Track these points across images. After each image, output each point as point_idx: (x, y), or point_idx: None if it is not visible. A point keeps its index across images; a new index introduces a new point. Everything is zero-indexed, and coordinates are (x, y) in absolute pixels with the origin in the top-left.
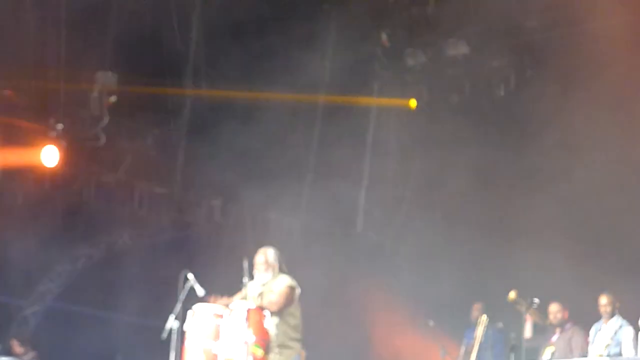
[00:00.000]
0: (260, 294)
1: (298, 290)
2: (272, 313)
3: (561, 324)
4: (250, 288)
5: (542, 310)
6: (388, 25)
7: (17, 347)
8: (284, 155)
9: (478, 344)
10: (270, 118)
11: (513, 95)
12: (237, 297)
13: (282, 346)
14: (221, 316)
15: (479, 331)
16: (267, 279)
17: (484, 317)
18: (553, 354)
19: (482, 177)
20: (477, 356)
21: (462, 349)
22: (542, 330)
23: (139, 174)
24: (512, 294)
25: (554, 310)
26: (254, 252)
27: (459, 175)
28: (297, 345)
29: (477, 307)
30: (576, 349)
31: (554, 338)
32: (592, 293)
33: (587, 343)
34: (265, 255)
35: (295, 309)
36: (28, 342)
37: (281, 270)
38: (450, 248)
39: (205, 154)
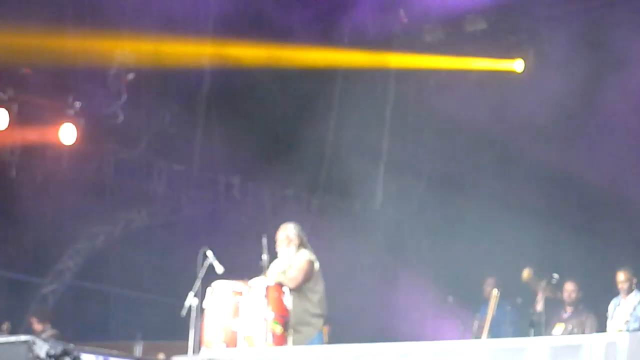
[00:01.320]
0: (283, 271)
1: (317, 265)
2: (291, 289)
3: (574, 304)
4: (274, 265)
5: (558, 287)
6: (405, 1)
7: (37, 325)
8: (303, 132)
9: (490, 319)
10: (289, 95)
11: (531, 70)
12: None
13: (302, 323)
14: (240, 293)
15: (491, 306)
16: (289, 255)
17: (495, 292)
18: (564, 331)
19: (500, 153)
20: (491, 331)
21: (475, 324)
22: (553, 304)
23: (158, 151)
24: (526, 273)
25: (569, 288)
26: (273, 229)
27: (476, 151)
28: (318, 322)
29: (489, 282)
30: (588, 331)
31: (566, 316)
32: (607, 270)
33: (598, 327)
34: (286, 231)
35: (316, 284)
36: (47, 320)
37: (303, 245)
38: (469, 223)
39: (223, 131)
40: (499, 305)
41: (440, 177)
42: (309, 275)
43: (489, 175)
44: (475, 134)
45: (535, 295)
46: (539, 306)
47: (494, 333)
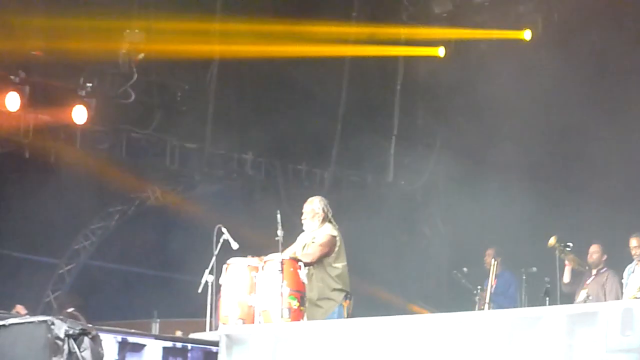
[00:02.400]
0: (304, 245)
1: (339, 240)
2: (306, 264)
3: (597, 265)
4: (300, 238)
5: (582, 255)
6: None
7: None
8: (313, 106)
9: (490, 288)
10: (299, 70)
11: (540, 39)
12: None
13: (322, 297)
14: (256, 269)
15: (491, 276)
16: (313, 228)
17: (493, 261)
18: (587, 296)
19: (512, 122)
20: (493, 300)
21: (483, 294)
22: (580, 275)
23: (169, 129)
24: (552, 240)
25: (592, 250)
26: (286, 203)
27: (488, 121)
28: (338, 296)
29: (489, 253)
30: (610, 293)
31: (589, 280)
32: (626, 236)
33: (620, 287)
34: (312, 204)
35: (336, 259)
36: (70, 300)
37: (327, 220)
38: (481, 193)
39: (235, 108)
40: (501, 275)
41: (451, 149)
42: (328, 251)
43: (501, 144)
44: (485, 105)
45: (554, 261)
46: (566, 277)
47: (498, 303)
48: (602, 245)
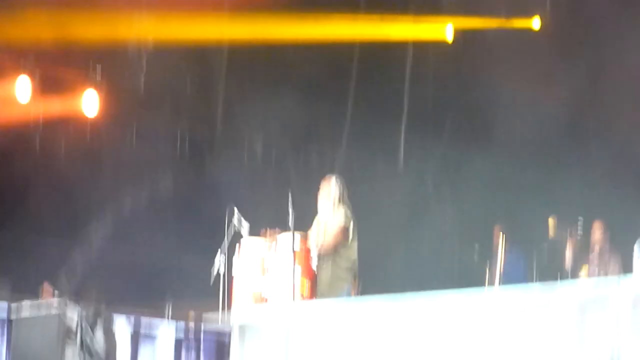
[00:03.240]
0: (318, 231)
1: (352, 225)
2: (330, 253)
3: (599, 242)
4: (316, 220)
5: (585, 232)
6: None
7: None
8: (324, 89)
9: (500, 265)
10: (310, 56)
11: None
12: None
13: (335, 277)
14: (268, 249)
15: (500, 252)
16: (327, 210)
17: (502, 237)
18: (588, 272)
19: (522, 106)
20: (503, 277)
21: (487, 272)
22: (585, 249)
23: (180, 116)
24: (550, 222)
25: (595, 227)
26: (297, 185)
27: (498, 105)
28: (348, 276)
29: (497, 229)
30: (613, 270)
31: (591, 257)
32: (631, 212)
33: (622, 266)
34: (329, 184)
35: (348, 250)
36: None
37: (342, 201)
38: (493, 177)
39: (244, 92)
40: (510, 251)
41: (462, 134)
42: (344, 237)
43: (513, 124)
44: (495, 89)
45: (561, 239)
46: (568, 255)
47: (508, 279)
48: (604, 222)
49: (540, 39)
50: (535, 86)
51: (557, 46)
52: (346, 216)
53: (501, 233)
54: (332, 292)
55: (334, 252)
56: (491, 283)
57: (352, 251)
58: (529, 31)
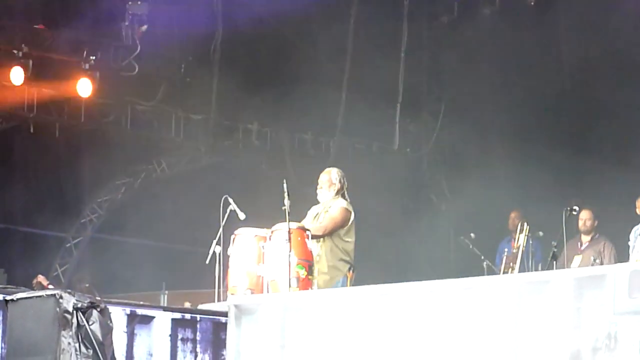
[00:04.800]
0: (317, 215)
1: (352, 216)
2: (318, 237)
3: (590, 232)
4: (313, 209)
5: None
6: None
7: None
8: (318, 75)
9: (521, 253)
10: (303, 39)
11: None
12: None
13: (330, 267)
14: (263, 239)
15: (521, 239)
16: (327, 199)
17: (526, 225)
18: (582, 262)
19: (519, 86)
20: (522, 263)
21: (503, 260)
22: (571, 236)
23: (174, 101)
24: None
25: (584, 217)
26: (292, 173)
27: (494, 85)
28: (344, 267)
29: (513, 216)
30: (609, 260)
31: (583, 247)
32: (623, 200)
33: (617, 255)
34: (329, 174)
35: (347, 234)
36: (85, 277)
37: (342, 193)
38: (487, 158)
39: (239, 78)
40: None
41: (456, 114)
42: (341, 224)
43: (507, 108)
44: (492, 68)
45: (557, 227)
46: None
47: (522, 268)
48: (593, 211)
49: (539, 18)
50: (539, 71)
51: (557, 27)
52: (347, 205)
53: (519, 219)
54: (327, 282)
55: (331, 233)
56: (507, 270)
57: (350, 242)
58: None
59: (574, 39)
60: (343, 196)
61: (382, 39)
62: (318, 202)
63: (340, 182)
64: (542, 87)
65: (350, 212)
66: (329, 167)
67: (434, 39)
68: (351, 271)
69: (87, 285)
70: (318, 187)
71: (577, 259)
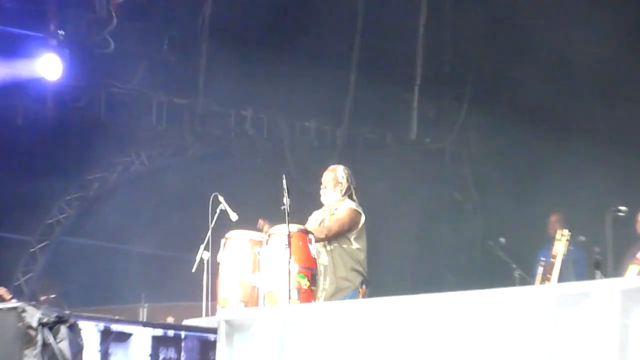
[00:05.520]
0: (322, 222)
1: (362, 217)
2: (321, 239)
3: None
4: (316, 213)
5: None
6: None
7: (43, 298)
8: (323, 54)
9: (559, 262)
10: (304, 7)
11: None
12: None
13: (340, 278)
14: (259, 243)
15: (561, 247)
16: (333, 200)
17: (566, 231)
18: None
19: (557, 66)
20: (560, 276)
21: (540, 270)
22: (629, 243)
23: (156, 83)
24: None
25: None
26: (293, 167)
27: (529, 65)
28: (356, 279)
29: (554, 219)
30: None
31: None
32: None
33: None
34: (336, 172)
35: (357, 239)
36: (52, 288)
37: (349, 193)
38: (520, 151)
39: (231, 57)
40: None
41: (485, 99)
42: (349, 227)
43: (545, 93)
44: (525, 47)
45: (601, 231)
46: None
47: (567, 278)
48: None
49: None
50: (579, 53)
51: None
52: (356, 206)
53: (560, 223)
54: (334, 295)
55: (332, 237)
56: (544, 281)
57: (361, 250)
58: None
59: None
60: (351, 197)
61: (398, 10)
62: (321, 205)
63: (347, 181)
64: (590, 70)
65: (361, 214)
66: (335, 160)
67: (458, 11)
68: (364, 286)
69: (53, 296)
70: (322, 187)
71: (634, 269)
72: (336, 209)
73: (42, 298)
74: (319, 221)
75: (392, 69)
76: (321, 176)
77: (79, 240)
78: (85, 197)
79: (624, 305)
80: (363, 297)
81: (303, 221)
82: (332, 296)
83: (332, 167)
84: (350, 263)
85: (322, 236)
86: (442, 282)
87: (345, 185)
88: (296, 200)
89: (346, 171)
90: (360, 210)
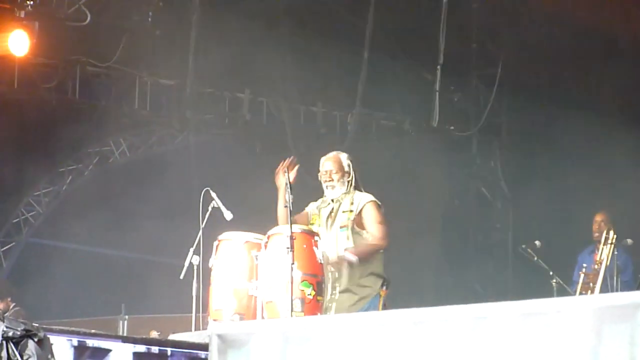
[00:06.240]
0: (331, 215)
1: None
2: (379, 247)
3: None
4: (315, 208)
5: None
6: None
7: None
8: (331, 28)
9: (604, 269)
10: None
11: None
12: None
13: (358, 286)
14: (257, 246)
15: (606, 252)
16: (339, 194)
17: (612, 234)
18: None
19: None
20: (604, 284)
21: (581, 277)
22: None
23: (139, 61)
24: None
25: None
26: (297, 157)
27: (569, 40)
28: (376, 283)
29: (600, 219)
30: None
31: None
32: None
33: None
34: (340, 161)
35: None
36: (7, 294)
37: (353, 185)
38: (558, 140)
39: (225, 31)
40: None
41: (517, 81)
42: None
43: (587, 74)
44: (569, 17)
45: None
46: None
47: (605, 288)
48: None
49: None
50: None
51: None
52: (375, 199)
53: (607, 224)
54: (355, 305)
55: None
56: (586, 291)
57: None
58: None
59: None
60: (358, 188)
61: None
62: (316, 198)
63: (353, 169)
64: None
65: (381, 207)
66: (344, 151)
67: None
68: (385, 287)
69: (13, 307)
70: (326, 178)
71: None
72: (352, 204)
73: (6, 310)
74: (323, 217)
75: (411, 45)
76: (321, 166)
77: (49, 242)
78: (56, 192)
79: None
80: (384, 299)
81: (306, 220)
82: (351, 307)
83: (332, 155)
84: (369, 267)
85: (382, 245)
86: (468, 292)
87: (352, 175)
88: (300, 196)
89: (350, 158)
90: (379, 202)
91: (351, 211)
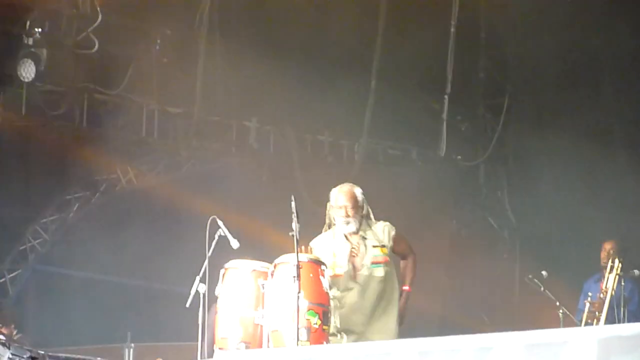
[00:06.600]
0: (355, 253)
1: None
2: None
3: None
4: (326, 247)
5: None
6: None
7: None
8: (339, 58)
9: (609, 297)
10: (317, 3)
11: None
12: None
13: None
14: (264, 275)
15: (611, 281)
16: (353, 229)
17: (617, 262)
18: None
19: (598, 76)
20: (609, 314)
21: (586, 306)
22: None
23: (146, 89)
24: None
25: None
26: (303, 187)
27: (575, 70)
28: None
29: (609, 247)
30: None
31: None
32: None
33: None
34: (354, 197)
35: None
36: (12, 322)
37: (367, 219)
38: (565, 168)
39: (233, 60)
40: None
41: (525, 110)
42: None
43: (596, 103)
44: (570, 50)
45: None
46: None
47: (611, 317)
48: None
49: None
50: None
51: None
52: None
53: (616, 252)
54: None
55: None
56: (591, 320)
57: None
58: None
59: None
60: (368, 218)
61: (425, 7)
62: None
63: (366, 203)
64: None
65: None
66: (351, 180)
67: (495, 7)
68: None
69: (15, 334)
70: (342, 214)
71: None
72: (378, 238)
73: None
74: (343, 256)
75: (418, 74)
76: (334, 200)
77: (55, 270)
78: (63, 219)
79: None
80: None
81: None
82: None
83: (346, 189)
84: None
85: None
86: (474, 322)
87: (365, 208)
88: (307, 225)
89: (360, 190)
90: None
91: (383, 246)
